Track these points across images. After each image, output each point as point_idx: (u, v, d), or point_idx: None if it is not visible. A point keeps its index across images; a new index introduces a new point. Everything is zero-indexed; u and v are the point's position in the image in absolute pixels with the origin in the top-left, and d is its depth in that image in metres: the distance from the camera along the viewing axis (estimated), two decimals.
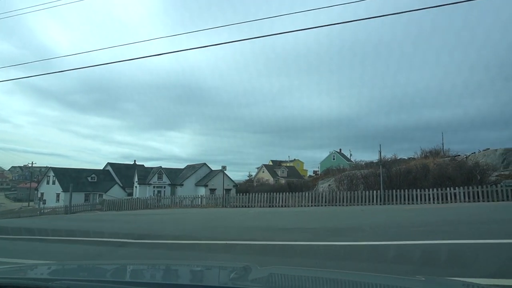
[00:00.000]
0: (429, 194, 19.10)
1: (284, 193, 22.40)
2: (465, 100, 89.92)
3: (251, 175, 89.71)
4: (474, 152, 30.89)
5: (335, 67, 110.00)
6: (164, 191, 54.63)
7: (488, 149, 28.74)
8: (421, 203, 19.01)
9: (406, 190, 19.46)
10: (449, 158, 30.48)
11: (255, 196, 23.45)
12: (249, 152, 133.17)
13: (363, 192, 20.60)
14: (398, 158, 34.32)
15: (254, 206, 23.48)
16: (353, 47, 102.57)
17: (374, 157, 36.57)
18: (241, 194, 25.84)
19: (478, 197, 18.07)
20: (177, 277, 2.38)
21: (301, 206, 21.70)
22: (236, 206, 24.41)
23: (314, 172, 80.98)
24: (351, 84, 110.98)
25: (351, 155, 75.45)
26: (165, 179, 55.15)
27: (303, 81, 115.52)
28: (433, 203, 18.76)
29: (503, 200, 17.55)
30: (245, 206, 23.81)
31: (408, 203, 19.24)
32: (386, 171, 21.47)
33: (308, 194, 21.84)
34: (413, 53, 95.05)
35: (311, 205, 21.40)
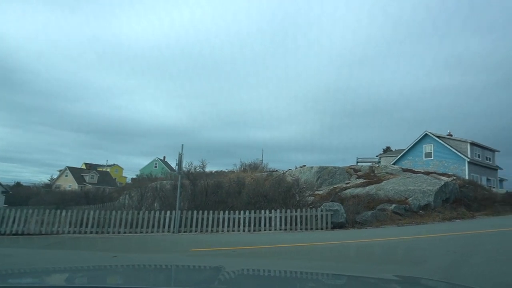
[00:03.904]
0: (239, 218, 14.18)
1: (20, 211, 13.52)
2: (285, 125, 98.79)
3: (53, 179, 72.84)
4: (291, 169, 29.44)
5: (175, 76, 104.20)
6: None
7: (305, 166, 27.24)
8: (228, 231, 13.88)
9: (211, 213, 13.99)
10: (267, 172, 28.12)
11: None
12: (67, 153, 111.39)
13: (155, 213, 14.10)
14: (213, 170, 29.76)
15: None
16: (197, 60, 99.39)
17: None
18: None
19: (296, 224, 14.20)
20: (145, 280, 2.27)
21: (54, 233, 13.43)
22: None
23: (132, 180, 71.16)
24: (188, 95, 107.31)
25: (177, 164, 69.80)
26: None
27: (141, 83, 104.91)
28: (244, 231, 13.90)
29: (322, 229, 14.13)
30: None
31: (212, 231, 13.82)
32: (191, 185, 15.65)
33: (66, 214, 13.72)
34: (247, 77, 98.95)
35: (72, 232, 13.44)
